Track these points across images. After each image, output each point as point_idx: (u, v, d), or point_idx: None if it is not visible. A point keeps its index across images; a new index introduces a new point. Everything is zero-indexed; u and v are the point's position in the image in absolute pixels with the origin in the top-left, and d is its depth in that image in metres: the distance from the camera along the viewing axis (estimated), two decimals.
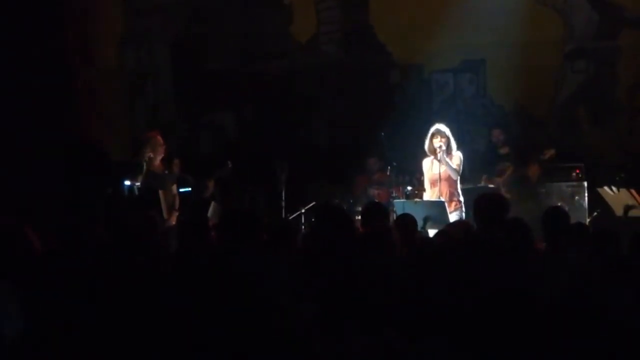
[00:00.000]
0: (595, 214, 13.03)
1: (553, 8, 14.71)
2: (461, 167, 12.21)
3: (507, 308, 5.39)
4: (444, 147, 11.91)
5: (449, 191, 12.07)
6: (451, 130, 12.22)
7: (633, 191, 12.49)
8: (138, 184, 12.75)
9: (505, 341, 4.96)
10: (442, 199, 12.08)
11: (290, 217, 13.21)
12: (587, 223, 12.25)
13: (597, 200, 12.98)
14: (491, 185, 13.84)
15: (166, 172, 12.88)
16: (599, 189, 12.88)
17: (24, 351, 5.37)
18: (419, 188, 13.35)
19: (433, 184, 12.26)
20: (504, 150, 14.00)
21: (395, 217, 10.56)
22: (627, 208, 12.34)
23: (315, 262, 6.62)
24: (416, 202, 12.56)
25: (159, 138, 12.58)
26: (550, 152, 14.03)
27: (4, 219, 7.26)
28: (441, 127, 12.14)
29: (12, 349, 5.41)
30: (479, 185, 13.56)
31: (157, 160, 12.56)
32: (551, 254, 7.52)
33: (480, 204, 8.47)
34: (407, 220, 8.65)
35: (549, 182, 13.90)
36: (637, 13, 14.53)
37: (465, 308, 5.34)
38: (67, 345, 5.24)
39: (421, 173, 12.64)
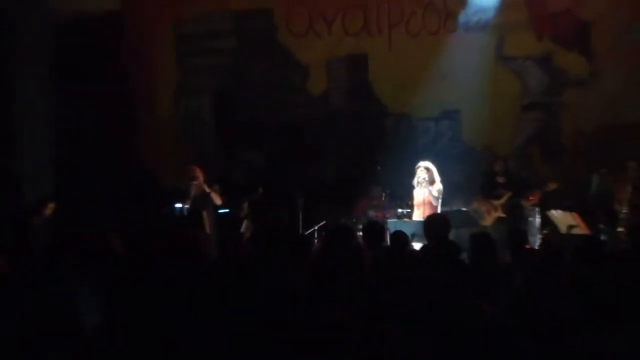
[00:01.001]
0: (545, 231, 13.84)
1: (512, 70, 15.86)
2: (441, 194, 13.43)
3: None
4: (427, 179, 13.22)
5: (430, 209, 13.26)
6: (435, 166, 13.53)
7: (575, 214, 13.18)
8: (186, 206, 14.29)
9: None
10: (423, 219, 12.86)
11: (306, 233, 13.96)
12: (538, 239, 13.50)
13: (546, 221, 13.89)
14: (483, 206, 14.84)
15: (207, 196, 14.31)
16: (548, 212, 13.68)
17: (100, 340, 5.61)
18: (410, 212, 14.49)
19: (418, 207, 13.43)
20: (501, 180, 14.89)
21: (389, 234, 11.16)
22: (570, 227, 13.07)
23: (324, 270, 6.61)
24: (405, 221, 13.63)
25: (199, 170, 14.19)
26: (553, 184, 14.93)
27: (93, 232, 8.12)
28: (425, 163, 13.48)
29: (90, 338, 5.69)
30: (454, 208, 14.15)
31: (199, 187, 14.11)
32: (510, 266, 8.43)
33: (428, 224, 9.64)
34: (399, 235, 9.44)
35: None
36: (577, 75, 15.57)
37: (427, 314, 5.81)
38: (137, 336, 5.53)
39: (411, 199, 13.85)
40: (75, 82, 16.45)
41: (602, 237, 12.62)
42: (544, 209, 14.19)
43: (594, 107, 15.48)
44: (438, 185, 13.46)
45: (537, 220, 14.31)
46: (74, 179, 16.18)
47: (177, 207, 14.66)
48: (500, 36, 15.85)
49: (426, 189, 13.42)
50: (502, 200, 14.62)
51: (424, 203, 13.51)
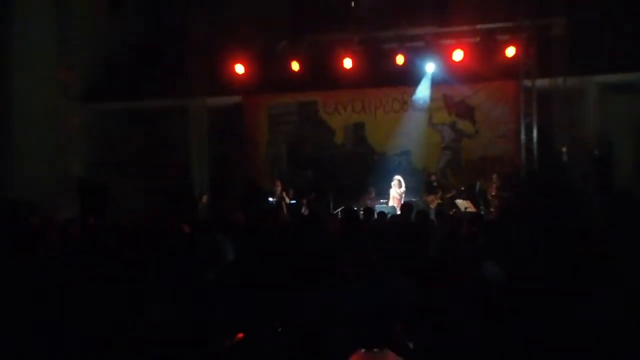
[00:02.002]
0: (453, 210, 16.87)
1: (436, 130, 20.07)
2: (404, 193, 18.05)
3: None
4: (397, 185, 18.12)
5: (398, 202, 17.68)
6: (403, 178, 18.21)
7: (468, 201, 17.38)
8: (275, 199, 18.40)
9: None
10: (395, 206, 17.52)
11: (335, 212, 17.37)
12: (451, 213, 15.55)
13: (454, 205, 17.38)
14: (428, 198, 18.37)
15: (283, 195, 18.45)
16: (455, 201, 17.78)
17: (233, 269, 6.83)
18: (387, 201, 18.14)
19: (393, 200, 18.08)
20: (435, 184, 18.49)
21: (377, 212, 13.41)
22: (466, 208, 16.80)
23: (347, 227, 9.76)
24: (385, 206, 17.49)
25: (280, 182, 18.68)
26: (459, 186, 18.66)
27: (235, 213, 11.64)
28: (397, 177, 18.39)
29: (228, 269, 6.80)
30: (413, 199, 17.63)
31: (279, 190, 18.46)
32: (437, 227, 10.65)
33: (403, 207, 12.93)
34: (381, 213, 12.89)
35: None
36: (468, 132, 19.66)
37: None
38: (256, 270, 6.52)
39: (389, 196, 18.37)
40: (222, 143, 20.65)
41: (482, 213, 16.14)
42: (454, 199, 17.99)
43: (477, 148, 19.51)
44: (403, 188, 18.18)
45: (456, 203, 17.45)
46: (219, 185, 20.02)
47: (270, 200, 18.60)
48: (430, 113, 19.92)
49: (397, 190, 18.25)
50: (438, 195, 18.30)
51: (395, 198, 18.18)
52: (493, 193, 17.60)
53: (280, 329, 5.54)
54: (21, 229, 10.36)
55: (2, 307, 5.63)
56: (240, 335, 5.26)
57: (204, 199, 18.88)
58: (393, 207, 17.41)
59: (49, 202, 16.06)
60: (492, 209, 16.94)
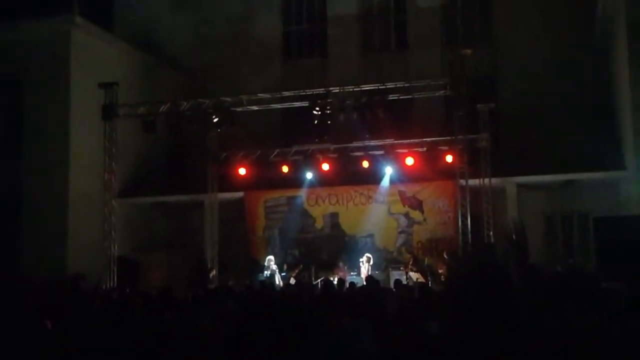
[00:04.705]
0: (407, 280, 16.84)
1: (394, 218, 20.15)
2: (372, 268, 18.37)
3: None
4: (366, 261, 18.52)
5: (367, 274, 17.76)
6: (371, 254, 18.75)
7: (419, 274, 17.59)
8: (269, 272, 18.84)
9: None
10: (364, 278, 17.01)
11: (317, 281, 17.66)
12: (411, 282, 16.25)
13: (408, 276, 17.44)
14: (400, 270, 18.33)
15: (275, 269, 18.95)
16: (409, 273, 17.96)
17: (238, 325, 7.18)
18: (358, 274, 18.29)
19: (362, 273, 18.34)
20: (406, 258, 19.04)
21: (348, 283, 14.12)
22: (417, 279, 17.14)
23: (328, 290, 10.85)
24: (354, 277, 17.79)
25: (273, 258, 19.28)
26: (410, 260, 18.51)
27: None
28: (367, 254, 18.85)
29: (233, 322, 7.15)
30: (376, 272, 18.21)
31: (272, 265, 19.06)
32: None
33: (368, 279, 14.20)
34: (351, 283, 13.73)
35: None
36: (418, 219, 19.70)
37: None
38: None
39: (359, 269, 18.63)
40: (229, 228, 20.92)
41: (430, 284, 16.33)
42: (408, 272, 18.12)
43: (425, 232, 19.82)
44: (371, 263, 18.62)
45: (410, 275, 17.79)
46: (226, 260, 20.21)
47: (265, 273, 19.04)
48: (388, 205, 20.09)
49: (366, 265, 18.61)
50: (410, 265, 18.31)
51: (364, 272, 18.41)
52: (442, 267, 17.83)
53: None
54: (75, 295, 10.59)
55: (65, 354, 6.03)
56: None
57: (214, 271, 19.47)
58: (362, 279, 17.54)
59: (95, 275, 16.61)
60: (442, 279, 17.09)
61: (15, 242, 18.40)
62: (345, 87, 16.31)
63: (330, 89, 16.40)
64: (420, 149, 18.57)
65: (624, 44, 16.64)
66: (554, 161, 18.27)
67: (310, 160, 19.14)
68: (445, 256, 18.10)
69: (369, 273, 17.88)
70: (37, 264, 17.31)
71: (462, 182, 17.11)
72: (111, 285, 16.15)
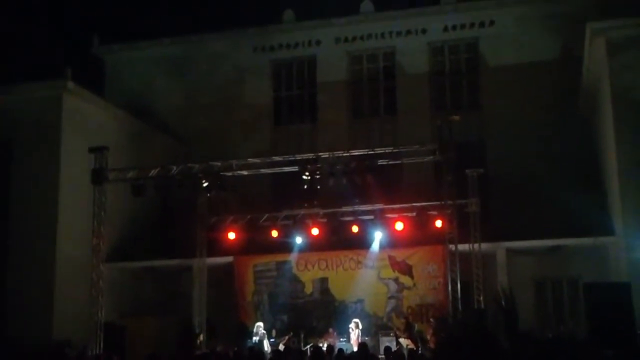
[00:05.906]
0: (398, 346, 16.71)
1: (383, 283, 20.01)
2: (361, 334, 18.03)
3: None
4: (355, 327, 18.17)
5: (356, 341, 17.72)
6: (360, 320, 18.43)
7: (409, 340, 17.23)
8: (258, 337, 18.24)
9: None
10: (352, 344, 17.49)
11: (306, 347, 17.17)
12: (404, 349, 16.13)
13: (399, 342, 17.15)
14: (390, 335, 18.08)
15: (264, 334, 18.26)
16: (399, 339, 17.65)
17: None
18: (348, 340, 17.91)
19: (351, 339, 18.00)
20: (399, 323, 18.80)
21: (337, 349, 13.40)
22: (407, 345, 16.81)
23: None
24: (344, 344, 17.35)
25: (261, 324, 18.64)
26: (402, 326, 18.27)
27: None
28: (356, 320, 18.55)
29: None
30: (366, 338, 17.90)
31: (261, 330, 18.37)
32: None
33: (360, 346, 14.68)
34: (340, 350, 13.00)
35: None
36: (408, 285, 19.70)
37: None
38: None
39: (348, 335, 18.30)
40: (218, 293, 20.48)
41: (420, 350, 16.22)
42: (397, 338, 17.95)
43: (415, 297, 19.75)
44: (359, 329, 18.30)
45: (397, 341, 17.58)
46: (214, 326, 19.72)
47: (253, 340, 18.48)
48: (378, 270, 20.06)
49: (355, 331, 18.31)
50: (403, 329, 18.09)
51: (354, 337, 18.19)
52: (430, 333, 17.61)
53: None
54: None
55: None
56: None
57: (202, 337, 19.06)
58: (351, 345, 17.50)
59: (81, 341, 16.45)
60: (430, 345, 16.91)
61: (2, 306, 18.29)
62: (334, 152, 16.46)
63: (320, 154, 16.57)
64: (409, 214, 18.54)
65: (609, 110, 16.98)
66: (543, 226, 18.34)
67: (300, 225, 19.05)
68: (431, 320, 18.07)
69: (359, 339, 17.79)
70: (24, 328, 17.29)
71: (452, 247, 16.90)
72: (97, 351, 15.84)
